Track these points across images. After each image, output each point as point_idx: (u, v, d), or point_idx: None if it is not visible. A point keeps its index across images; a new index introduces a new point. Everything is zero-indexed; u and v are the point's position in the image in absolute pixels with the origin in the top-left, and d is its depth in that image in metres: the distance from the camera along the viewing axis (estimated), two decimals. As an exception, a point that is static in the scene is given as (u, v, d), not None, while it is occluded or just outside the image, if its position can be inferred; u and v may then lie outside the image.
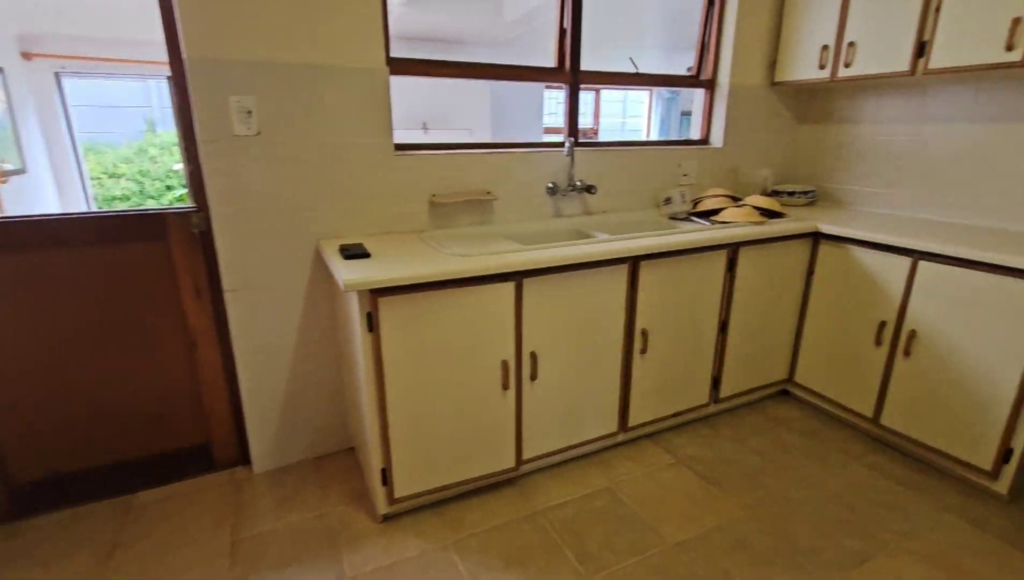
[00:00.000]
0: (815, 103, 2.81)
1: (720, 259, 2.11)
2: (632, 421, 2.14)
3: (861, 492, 1.93)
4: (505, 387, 1.79)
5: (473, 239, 1.98)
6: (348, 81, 1.84)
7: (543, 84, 5.77)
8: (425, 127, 5.22)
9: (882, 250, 2.06)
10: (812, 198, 2.74)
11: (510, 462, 1.90)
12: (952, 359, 1.89)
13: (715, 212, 2.38)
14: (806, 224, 2.24)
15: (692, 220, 2.34)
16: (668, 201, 2.52)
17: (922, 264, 1.94)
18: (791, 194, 2.71)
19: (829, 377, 2.34)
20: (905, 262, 1.99)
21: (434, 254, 1.72)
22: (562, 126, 2.42)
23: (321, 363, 2.05)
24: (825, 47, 2.40)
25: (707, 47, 2.66)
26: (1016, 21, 1.79)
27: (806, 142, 2.88)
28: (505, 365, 1.77)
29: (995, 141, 2.14)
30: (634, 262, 1.92)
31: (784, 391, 2.62)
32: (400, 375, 1.61)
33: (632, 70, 2.54)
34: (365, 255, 1.65)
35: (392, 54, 1.93)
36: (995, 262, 1.73)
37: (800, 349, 2.45)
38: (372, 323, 1.53)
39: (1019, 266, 1.68)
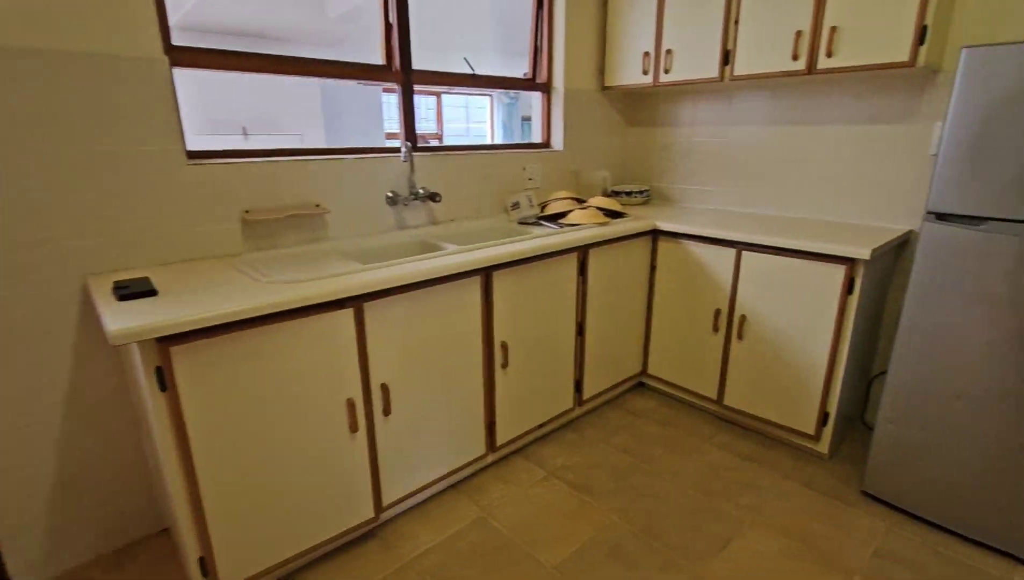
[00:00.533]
0: (642, 107, 2.98)
1: (572, 262, 2.09)
2: (500, 439, 2.02)
3: (716, 473, 2.03)
4: (354, 429, 1.55)
5: (302, 261, 1.70)
6: (113, 73, 1.44)
7: (380, 87, 5.49)
8: (245, 132, 4.62)
9: (712, 243, 2.20)
10: (647, 197, 2.89)
11: (368, 512, 1.65)
12: (776, 338, 2.08)
13: (562, 215, 2.37)
14: (646, 222, 2.33)
15: (541, 224, 2.30)
16: (516, 206, 2.46)
17: (745, 254, 2.11)
18: (628, 194, 2.83)
19: (677, 365, 2.46)
20: (731, 253, 2.15)
21: (250, 283, 1.42)
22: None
23: (110, 432, 1.60)
24: (647, 53, 2.52)
25: (540, 51, 2.65)
26: (799, 34, 2.01)
27: (637, 144, 3.04)
28: (351, 404, 1.53)
29: (788, 141, 2.42)
30: (487, 273, 1.80)
31: (640, 383, 2.72)
32: (213, 438, 1.29)
33: (468, 71, 2.43)
34: (149, 293, 1.29)
35: (196, 45, 1.57)
36: (800, 248, 1.93)
37: (650, 341, 2.55)
38: (164, 380, 1.19)
39: (817, 250, 1.88)
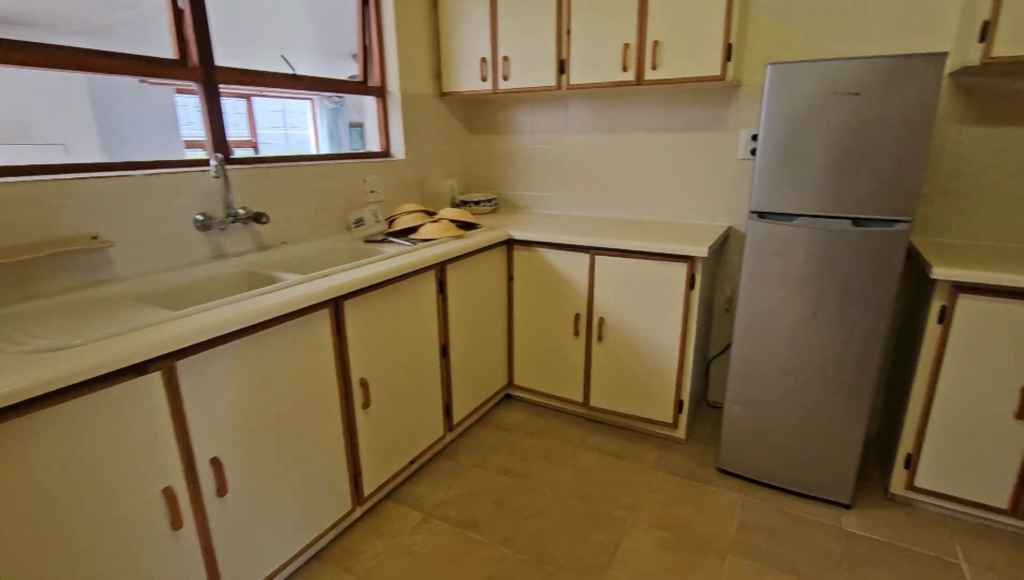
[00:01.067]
0: (482, 114, 2.92)
1: (430, 281, 1.93)
2: (368, 488, 1.78)
3: (592, 477, 2.04)
4: (177, 525, 1.20)
5: (77, 314, 1.28)
6: None
7: (173, 87, 4.68)
8: (-24, 143, 3.54)
9: (566, 249, 2.22)
10: (495, 205, 2.84)
11: (209, 622, 1.31)
12: (632, 336, 2.16)
13: (413, 229, 2.19)
14: (500, 232, 2.26)
15: (392, 241, 2.10)
16: (360, 222, 2.22)
17: (598, 258, 2.16)
18: (477, 203, 2.76)
19: (543, 373, 2.45)
20: (585, 258, 2.19)
21: (-11, 357, 1.00)
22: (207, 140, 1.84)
23: None
24: (484, 59, 2.46)
25: (370, 52, 2.44)
26: (626, 47, 2.11)
27: (480, 151, 2.98)
28: (171, 494, 1.18)
29: (622, 148, 2.56)
30: (337, 304, 1.56)
31: (508, 396, 2.66)
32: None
33: (288, 71, 2.12)
34: None
35: None
36: (647, 249, 2.02)
37: (514, 352, 2.50)
38: None
39: (662, 251, 1.99)
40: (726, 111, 2.27)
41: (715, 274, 2.38)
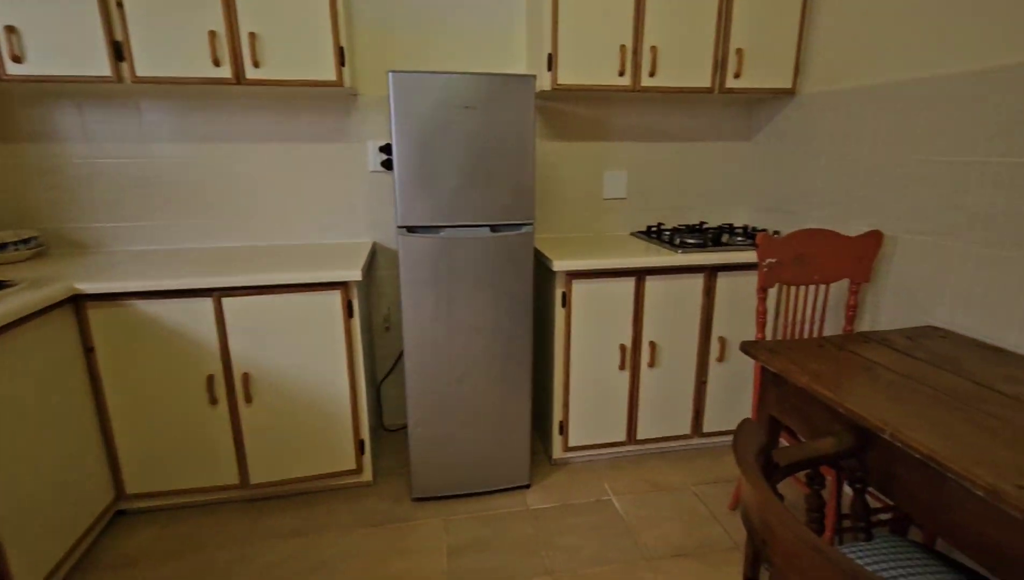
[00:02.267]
0: (-18, 113, 1.92)
1: (-91, 396, 1.10)
2: None
3: (276, 575, 1.61)
4: None
5: None
6: None
7: None
8: None
9: (177, 296, 1.66)
10: (39, 248, 1.93)
11: None
12: (291, 386, 1.80)
13: None
14: (57, 287, 1.51)
15: None
16: None
17: (226, 301, 1.69)
18: (2, 247, 1.80)
19: (172, 464, 1.80)
20: (208, 303, 1.68)
21: None
22: None
23: None
24: (-35, 26, 1.58)
25: None
26: (213, 34, 1.69)
27: (-8, 169, 1.96)
28: None
29: (232, 161, 2.09)
30: None
31: (121, 513, 1.86)
32: None
33: None
34: None
35: None
36: (290, 282, 1.69)
37: (119, 451, 1.75)
38: None
39: (308, 281, 1.70)
40: (349, 121, 2.11)
41: (368, 293, 2.23)
